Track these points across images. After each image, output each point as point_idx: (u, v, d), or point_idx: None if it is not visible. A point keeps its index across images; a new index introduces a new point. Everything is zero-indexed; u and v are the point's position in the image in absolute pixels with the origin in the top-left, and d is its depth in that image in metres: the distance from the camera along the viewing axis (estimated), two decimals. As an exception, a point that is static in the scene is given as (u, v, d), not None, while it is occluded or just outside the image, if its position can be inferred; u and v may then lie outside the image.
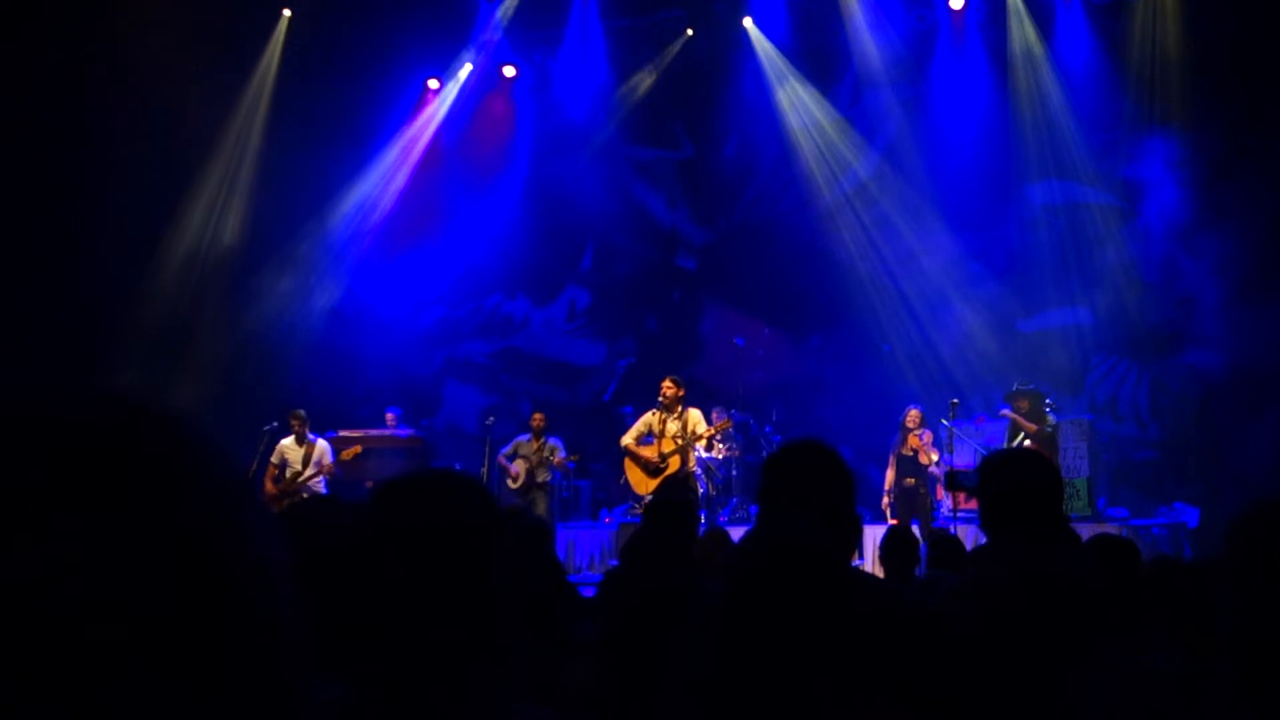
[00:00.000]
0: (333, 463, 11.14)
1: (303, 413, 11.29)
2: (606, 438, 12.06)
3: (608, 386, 15.87)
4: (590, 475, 14.71)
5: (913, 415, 11.17)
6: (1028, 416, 11.11)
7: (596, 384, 16.33)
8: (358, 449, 11.57)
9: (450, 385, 16.66)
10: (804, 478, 2.30)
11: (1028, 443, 10.91)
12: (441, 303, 16.43)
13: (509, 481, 10.92)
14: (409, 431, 13.25)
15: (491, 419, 11.32)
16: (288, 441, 11.19)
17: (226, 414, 13.64)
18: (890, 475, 11.28)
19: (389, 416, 13.37)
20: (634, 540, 3.94)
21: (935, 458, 10.91)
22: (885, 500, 11.26)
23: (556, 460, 11.18)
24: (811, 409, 14.86)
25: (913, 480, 10.97)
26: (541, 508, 10.67)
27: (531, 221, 16.13)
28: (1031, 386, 11.12)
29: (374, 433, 12.98)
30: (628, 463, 10.09)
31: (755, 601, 1.64)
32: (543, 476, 11.19)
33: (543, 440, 11.17)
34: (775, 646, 1.61)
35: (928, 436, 10.92)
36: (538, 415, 11.29)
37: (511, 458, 11.16)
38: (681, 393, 9.95)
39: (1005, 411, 10.86)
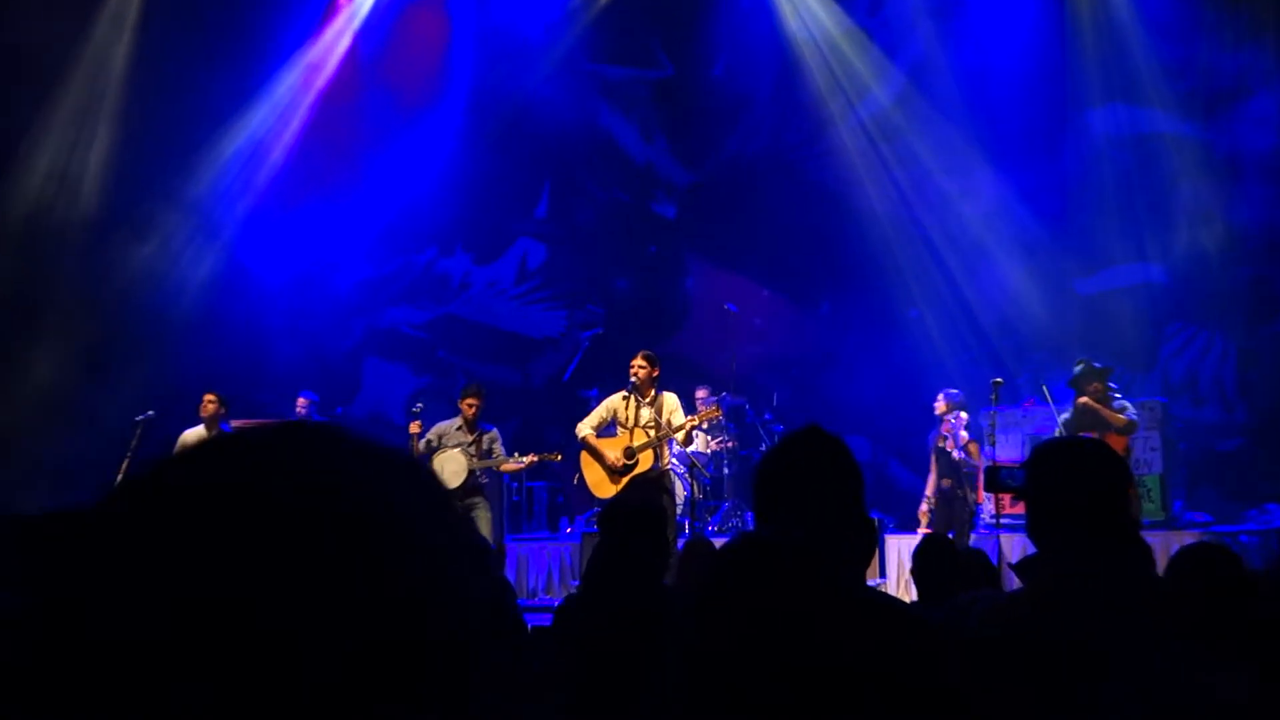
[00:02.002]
0: None
1: (218, 395, 11.24)
2: (567, 427, 12.01)
3: (568, 364, 15.84)
4: (547, 474, 14.73)
5: (941, 402, 11.16)
6: (1104, 405, 10.79)
7: (554, 361, 16.30)
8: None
9: (372, 363, 16.60)
10: (803, 476, 2.29)
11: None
12: (360, 261, 16.36)
13: (447, 478, 10.78)
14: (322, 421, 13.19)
15: (420, 405, 11.15)
16: (194, 432, 11.14)
17: (87, 405, 13.50)
18: (931, 478, 11.28)
19: (301, 403, 13.29)
20: (593, 559, 3.90)
21: (972, 448, 10.90)
22: (923, 507, 11.26)
23: (508, 464, 10.98)
24: (821, 391, 14.89)
25: (949, 481, 11.00)
26: (483, 518, 10.43)
27: (472, 158, 16.04)
28: (1099, 364, 10.88)
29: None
30: (585, 459, 9.98)
31: (724, 618, 1.64)
32: (481, 475, 11.09)
33: (479, 428, 11.01)
34: (749, 670, 1.60)
35: (959, 420, 10.91)
36: (472, 394, 11.03)
37: (432, 450, 10.93)
38: (656, 372, 9.86)
39: (1084, 400, 10.64)
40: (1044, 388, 11.26)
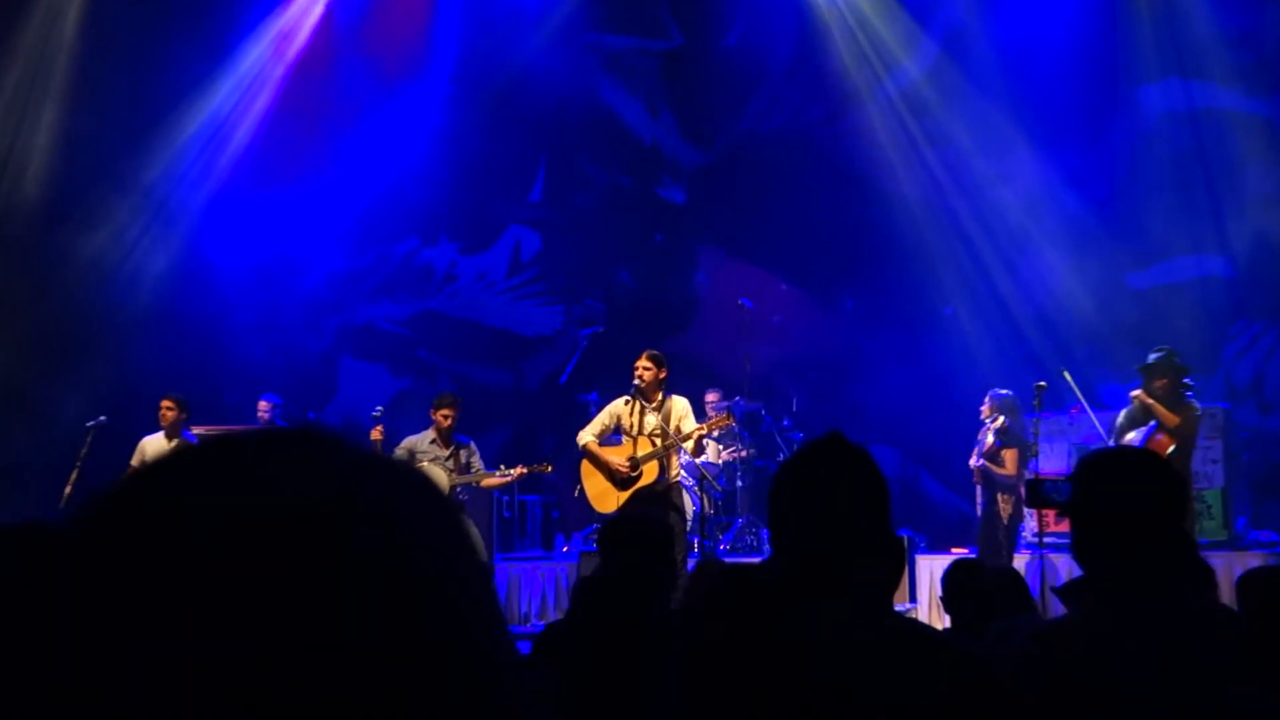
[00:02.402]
0: None
1: (176, 400, 11.26)
2: (563, 435, 11.99)
3: (565, 365, 15.82)
4: (543, 487, 14.72)
5: (997, 403, 11.11)
6: (1165, 401, 10.57)
7: (549, 361, 16.30)
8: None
9: (347, 364, 16.60)
10: (823, 490, 2.27)
11: (1140, 437, 10.75)
12: (334, 251, 16.37)
13: None
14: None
15: (379, 410, 11.15)
16: (154, 440, 11.16)
17: (36, 406, 13.50)
18: (977, 480, 11.24)
19: (263, 406, 13.31)
20: (585, 579, 3.85)
21: (1008, 456, 10.84)
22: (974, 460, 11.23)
23: (490, 479, 10.95)
24: (844, 396, 14.88)
25: (980, 483, 10.99)
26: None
27: (458, 137, 16.03)
28: (1178, 360, 10.64)
29: (248, 430, 12.97)
30: (586, 469, 10.00)
31: (735, 656, 1.60)
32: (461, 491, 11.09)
33: (455, 441, 11.00)
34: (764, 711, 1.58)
35: (994, 422, 10.84)
36: (448, 405, 11.02)
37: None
38: (663, 374, 9.87)
39: (1136, 392, 10.49)
40: (1065, 374, 11.14)
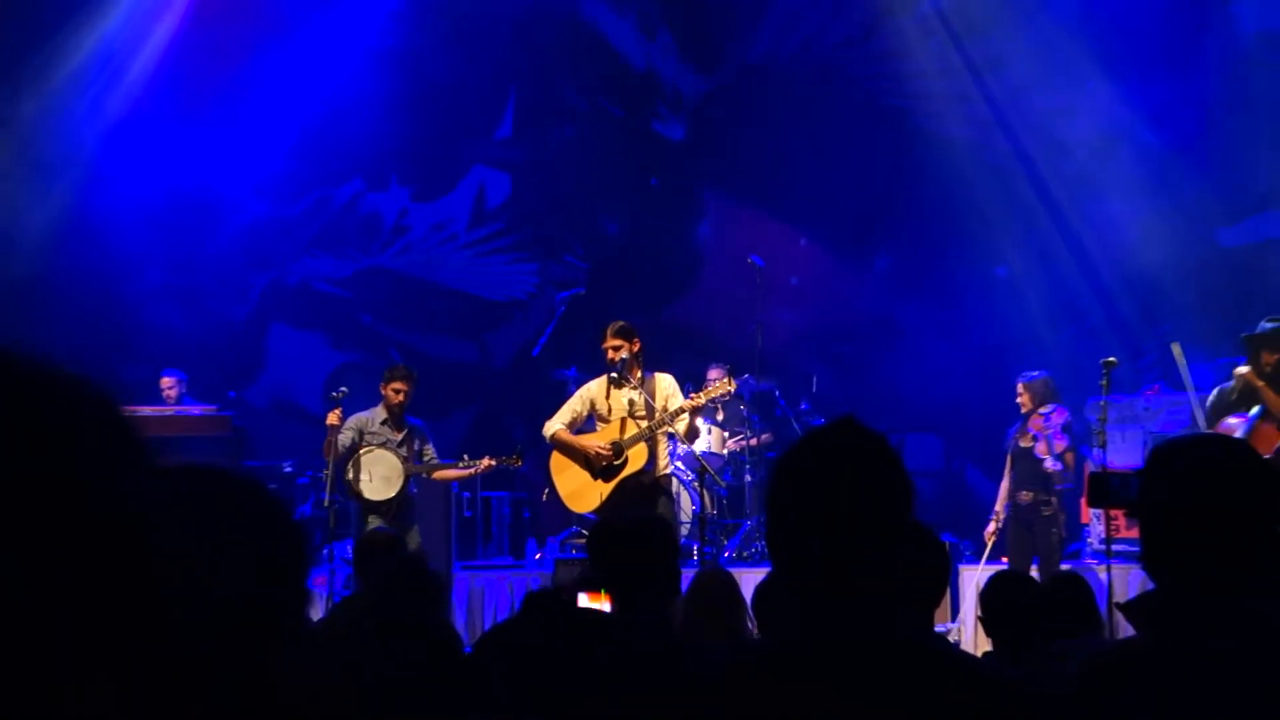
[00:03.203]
0: None
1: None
2: (537, 420, 11.96)
3: (539, 336, 15.75)
4: (512, 482, 14.73)
5: (1026, 388, 11.09)
6: (1277, 383, 10.31)
7: (521, 331, 16.28)
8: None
9: (277, 333, 16.59)
10: (831, 486, 2.26)
11: (1243, 426, 10.68)
12: (259, 196, 16.35)
13: (360, 487, 10.69)
14: (202, 410, 13.22)
15: (342, 390, 11.12)
16: None
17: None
18: (1003, 487, 11.28)
19: (165, 384, 13.32)
20: (559, 586, 3.85)
21: (1061, 449, 10.85)
22: (991, 527, 11.26)
23: (446, 471, 10.91)
24: (875, 374, 14.91)
25: (1030, 495, 10.98)
26: (414, 542, 10.42)
27: (411, 57, 16.01)
28: None
29: (147, 412, 12.93)
30: (558, 463, 10.00)
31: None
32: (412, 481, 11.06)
33: (407, 423, 11.00)
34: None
35: (1057, 417, 10.86)
36: (400, 377, 10.97)
37: (355, 448, 10.95)
38: (636, 347, 9.88)
39: (1242, 369, 10.27)
40: (1175, 348, 11.00)
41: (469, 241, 16.68)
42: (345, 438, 10.93)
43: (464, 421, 16.04)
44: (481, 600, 12.50)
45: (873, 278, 15.68)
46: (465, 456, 11.18)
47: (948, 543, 12.01)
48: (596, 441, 10.00)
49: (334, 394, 11.07)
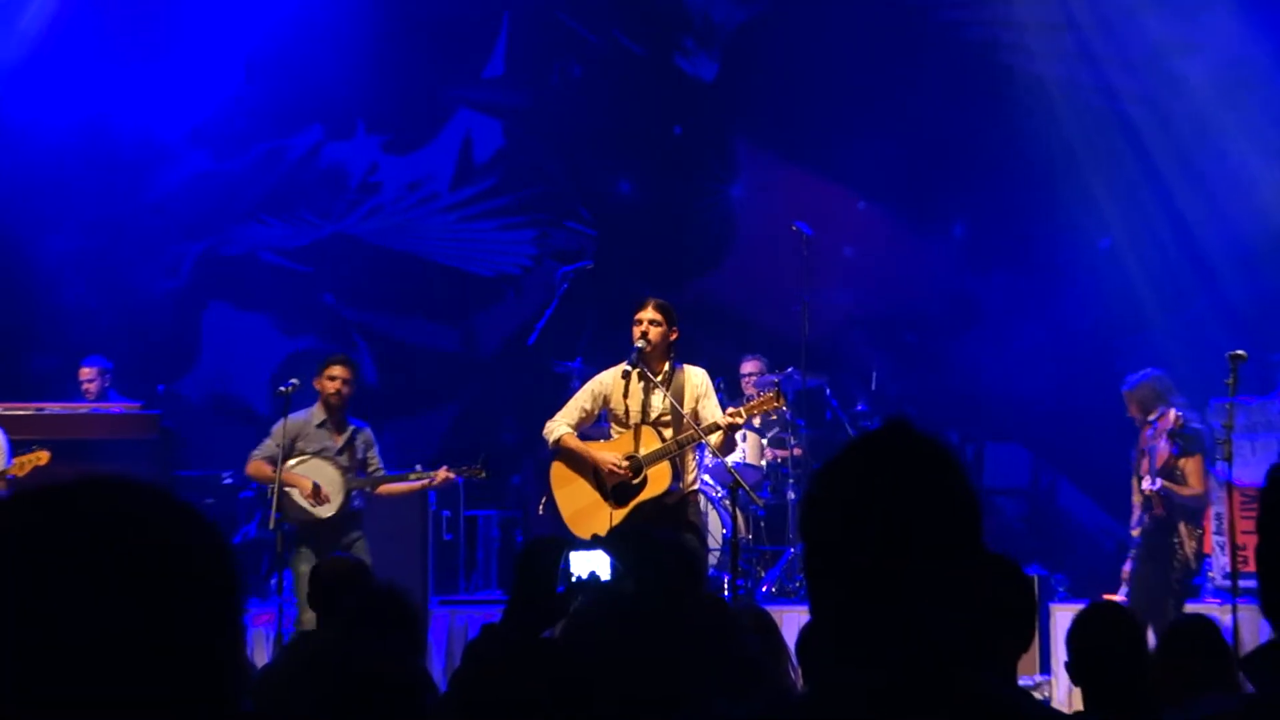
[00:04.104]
0: (7, 467, 11.15)
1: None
2: (532, 421, 11.93)
3: (537, 319, 15.74)
4: (502, 497, 14.75)
5: (1130, 397, 11.08)
6: None
7: (514, 313, 16.27)
8: (42, 457, 11.49)
9: (216, 314, 16.62)
10: (874, 503, 2.28)
11: None
12: (194, 147, 16.36)
13: (305, 502, 10.71)
14: (123, 408, 13.26)
15: (293, 383, 11.13)
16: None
17: None
18: (1135, 513, 11.22)
19: (86, 374, 13.32)
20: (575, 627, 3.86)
21: (1189, 466, 10.82)
22: (1127, 566, 11.21)
23: (392, 485, 10.88)
24: (949, 368, 14.92)
25: (1161, 512, 10.97)
26: (365, 551, 10.50)
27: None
28: None
29: (62, 409, 12.95)
30: (560, 474, 9.93)
31: None
32: (358, 496, 11.06)
33: (352, 424, 11.19)
34: None
35: (1163, 423, 10.81)
36: (338, 364, 11.06)
37: (282, 457, 10.95)
38: (674, 334, 9.84)
39: None
40: None
41: (452, 203, 16.69)
42: (270, 447, 10.96)
43: (442, 424, 16.05)
44: (463, 642, 12.51)
45: (946, 249, 15.62)
46: (419, 467, 11.19)
47: (1035, 576, 12.00)
48: (610, 455, 9.95)
49: (281, 388, 11.07)
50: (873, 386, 14.30)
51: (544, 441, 10.34)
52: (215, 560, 1.77)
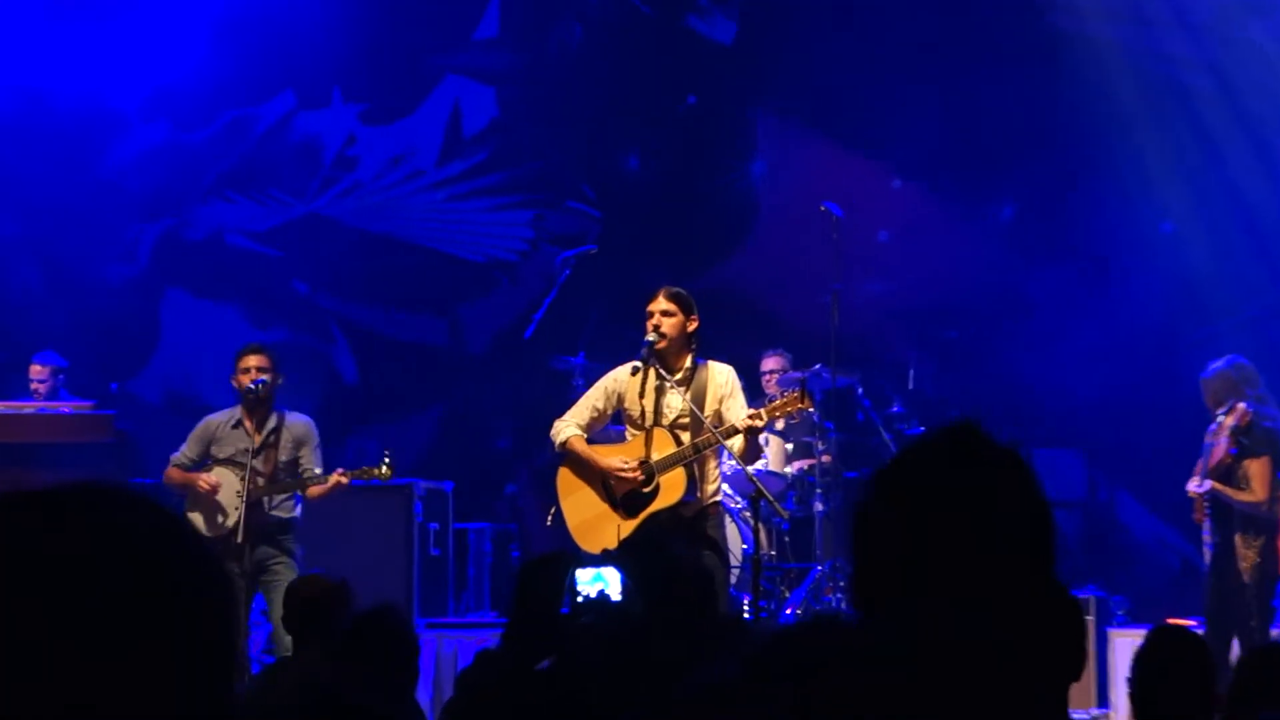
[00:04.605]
0: None
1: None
2: (530, 425, 11.97)
3: (533, 311, 15.77)
4: (495, 510, 14.78)
5: (1205, 386, 11.08)
6: None
7: (508, 304, 16.25)
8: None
9: (175, 303, 16.66)
10: (939, 519, 2.29)
11: None
12: (152, 117, 16.35)
13: (198, 521, 10.67)
14: (73, 408, 13.31)
15: (263, 380, 11.16)
16: None
17: None
18: (1199, 516, 11.21)
19: (36, 372, 13.32)
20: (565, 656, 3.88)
21: (1254, 469, 10.82)
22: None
23: (317, 487, 10.83)
24: (995, 363, 14.92)
25: (1200, 518, 10.98)
26: (280, 581, 10.25)
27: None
28: None
29: (4, 409, 12.97)
30: (567, 482, 9.88)
31: None
32: (282, 506, 10.98)
33: (276, 418, 11.22)
34: None
35: (1230, 418, 10.79)
36: (252, 353, 11.05)
37: (198, 463, 11.24)
38: (693, 325, 9.81)
39: None
40: None
41: (439, 180, 16.70)
42: (184, 452, 10.97)
43: (428, 427, 16.03)
44: (452, 671, 12.53)
45: (992, 233, 15.60)
46: (340, 470, 11.11)
47: (1091, 598, 12.03)
48: (619, 459, 9.97)
49: (250, 386, 11.05)
50: (909, 386, 14.27)
51: (541, 446, 10.37)
52: (204, 574, 1.77)
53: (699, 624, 4.72)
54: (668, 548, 5.29)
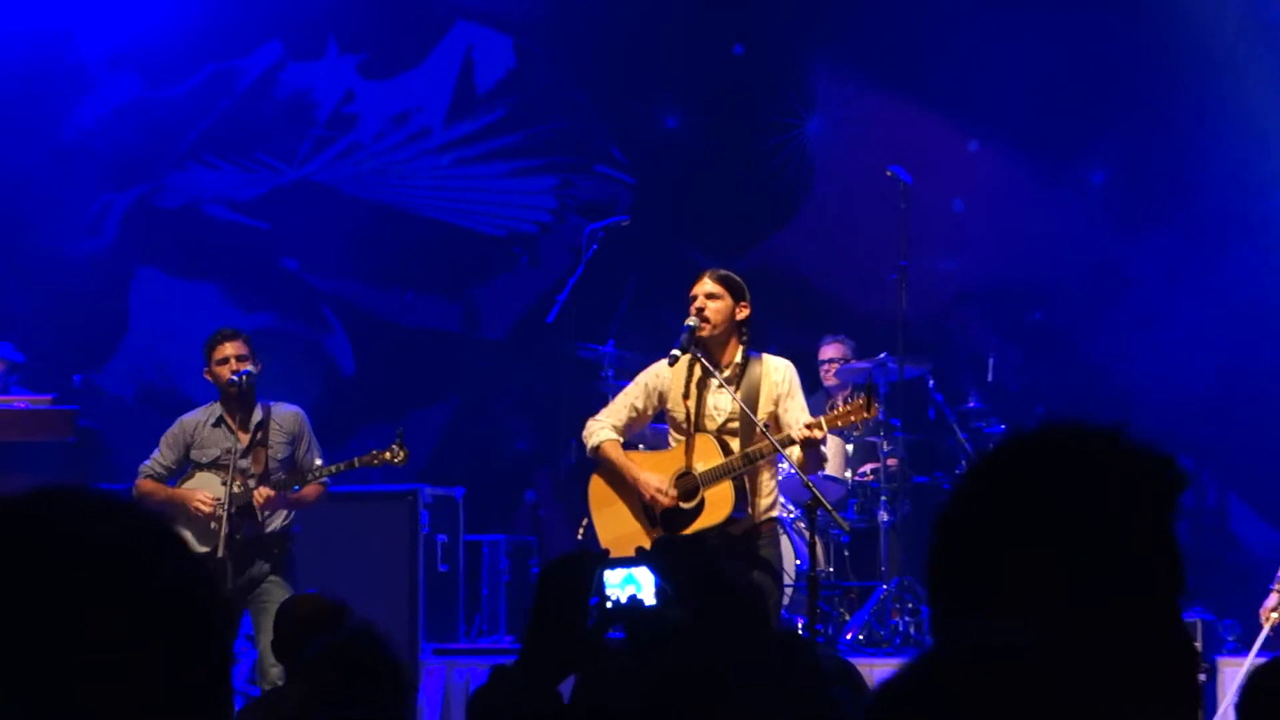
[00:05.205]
0: None
1: None
2: (549, 424, 11.95)
3: (558, 290, 15.78)
4: (513, 520, 14.77)
5: None
6: None
7: (529, 283, 16.31)
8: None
9: (147, 283, 16.71)
10: (1040, 532, 2.26)
11: None
12: (119, 68, 16.39)
13: (189, 533, 10.68)
14: (30, 402, 13.33)
15: (249, 371, 11.19)
16: None
17: None
18: None
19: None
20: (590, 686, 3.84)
21: None
22: (1271, 600, 11.24)
23: (311, 488, 10.87)
24: (1087, 351, 14.92)
25: None
26: (271, 602, 10.23)
27: None
28: None
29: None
30: (599, 493, 9.87)
31: None
32: (276, 514, 10.98)
33: (262, 411, 11.23)
34: None
35: None
36: (226, 340, 10.99)
37: (176, 471, 11.29)
38: (744, 313, 9.80)
39: None
40: None
41: (448, 142, 16.75)
42: (156, 460, 10.97)
43: (435, 424, 16.05)
44: (463, 701, 12.56)
45: (1083, 202, 15.59)
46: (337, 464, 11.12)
47: (1198, 621, 12.00)
48: (655, 477, 9.90)
49: (234, 379, 11.02)
50: (989, 377, 14.25)
51: (565, 448, 10.36)
52: (193, 584, 1.83)
53: (750, 635, 4.63)
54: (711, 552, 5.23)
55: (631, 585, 4.16)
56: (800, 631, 11.03)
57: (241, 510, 10.72)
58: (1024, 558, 2.27)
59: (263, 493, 10.70)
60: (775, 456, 9.84)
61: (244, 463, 10.78)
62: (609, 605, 4.18)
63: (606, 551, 3.96)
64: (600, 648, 4.09)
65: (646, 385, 10.12)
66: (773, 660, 4.40)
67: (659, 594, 4.15)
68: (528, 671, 4.04)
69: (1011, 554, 2.28)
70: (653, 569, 4.30)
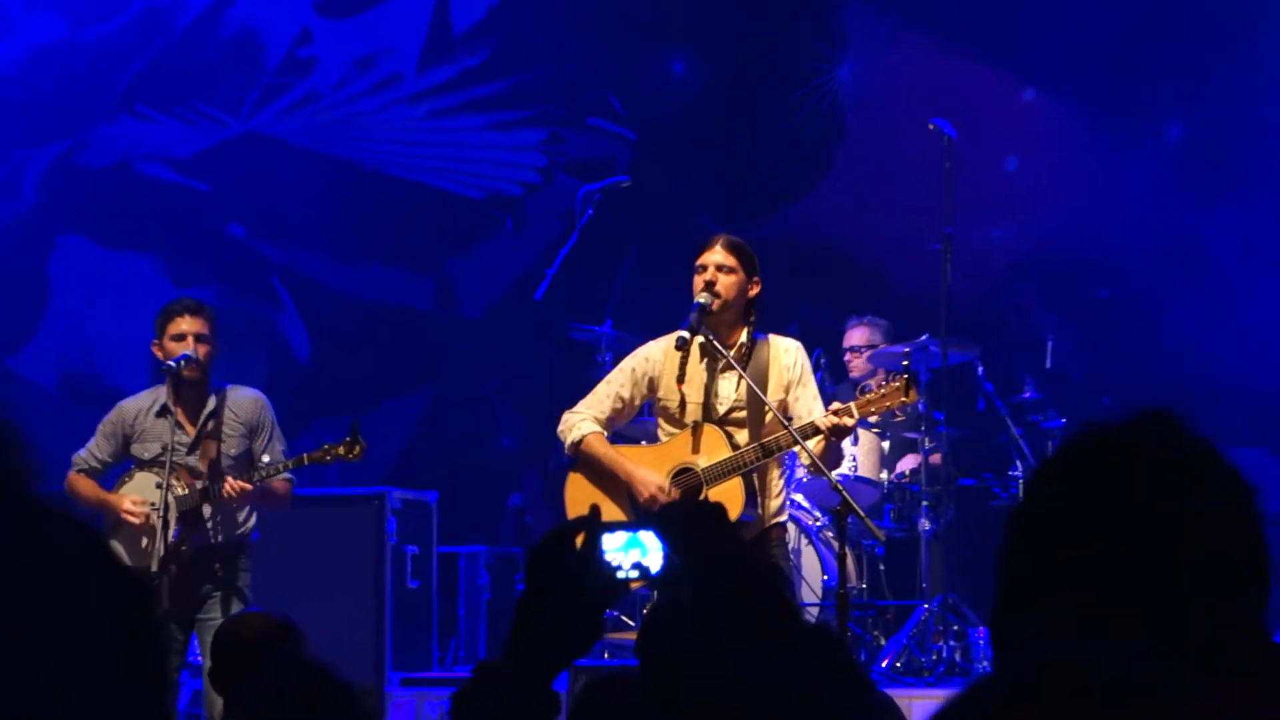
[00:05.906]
0: None
1: None
2: (537, 415, 11.95)
3: (548, 263, 15.82)
4: (496, 530, 14.79)
5: None
6: None
7: (513, 254, 16.35)
8: None
9: (71, 251, 16.77)
10: (1129, 538, 2.31)
11: None
12: (36, 4, 16.47)
13: (120, 546, 10.69)
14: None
15: (186, 356, 11.21)
16: None
17: None
18: None
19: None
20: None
21: None
22: None
23: (281, 482, 10.87)
24: (1160, 334, 14.97)
25: None
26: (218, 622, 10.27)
27: None
28: None
29: None
30: (577, 489, 9.90)
31: None
32: (229, 520, 10.98)
33: (216, 399, 11.24)
34: None
35: None
36: (185, 312, 10.97)
37: (114, 466, 11.29)
38: (755, 289, 9.81)
39: None
40: None
41: (421, 90, 16.82)
42: (93, 458, 10.98)
43: (405, 417, 16.09)
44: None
45: (1155, 162, 15.61)
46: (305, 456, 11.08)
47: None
48: (651, 473, 9.93)
49: (172, 365, 11.03)
50: (1047, 364, 14.26)
51: (556, 444, 10.33)
52: (119, 606, 1.90)
53: (773, 622, 4.60)
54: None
55: (636, 549, 4.10)
56: (833, 629, 11.01)
57: (187, 516, 10.68)
58: (1106, 571, 2.31)
59: (234, 484, 10.59)
60: (786, 455, 9.84)
61: (191, 459, 10.74)
62: (614, 571, 4.13)
63: (596, 510, 3.86)
64: (600, 630, 4.07)
65: (634, 371, 10.11)
66: (799, 653, 4.37)
67: (666, 565, 4.09)
68: (517, 666, 3.99)
69: (1092, 566, 2.31)
70: (661, 537, 4.25)
